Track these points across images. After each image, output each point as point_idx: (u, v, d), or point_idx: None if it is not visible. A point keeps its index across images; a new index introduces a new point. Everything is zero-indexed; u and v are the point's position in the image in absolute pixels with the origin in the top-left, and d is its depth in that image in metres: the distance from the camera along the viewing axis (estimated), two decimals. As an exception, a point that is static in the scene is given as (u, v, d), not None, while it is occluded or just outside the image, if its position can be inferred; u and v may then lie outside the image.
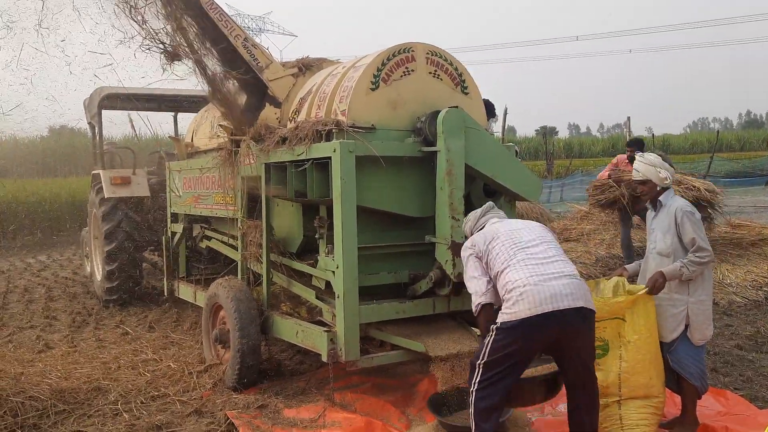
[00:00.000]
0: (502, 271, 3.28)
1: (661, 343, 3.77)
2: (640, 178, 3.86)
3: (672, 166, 3.90)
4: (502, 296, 3.25)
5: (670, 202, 3.81)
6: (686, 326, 3.74)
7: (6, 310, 8.02)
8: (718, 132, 34.38)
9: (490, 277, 3.40)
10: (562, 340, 3.24)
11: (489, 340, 3.21)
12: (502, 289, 3.27)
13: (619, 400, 3.71)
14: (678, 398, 3.93)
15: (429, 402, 4.14)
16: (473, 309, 3.43)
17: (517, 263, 3.26)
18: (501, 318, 3.20)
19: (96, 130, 8.77)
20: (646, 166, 3.85)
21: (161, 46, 4.83)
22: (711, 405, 4.26)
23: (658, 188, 3.85)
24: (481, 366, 3.23)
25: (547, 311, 3.10)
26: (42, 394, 4.49)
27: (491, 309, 3.35)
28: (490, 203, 3.89)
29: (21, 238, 15.06)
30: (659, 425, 3.79)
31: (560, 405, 4.34)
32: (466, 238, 3.76)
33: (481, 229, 3.69)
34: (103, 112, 8.59)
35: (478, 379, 3.24)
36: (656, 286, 3.65)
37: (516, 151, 5.47)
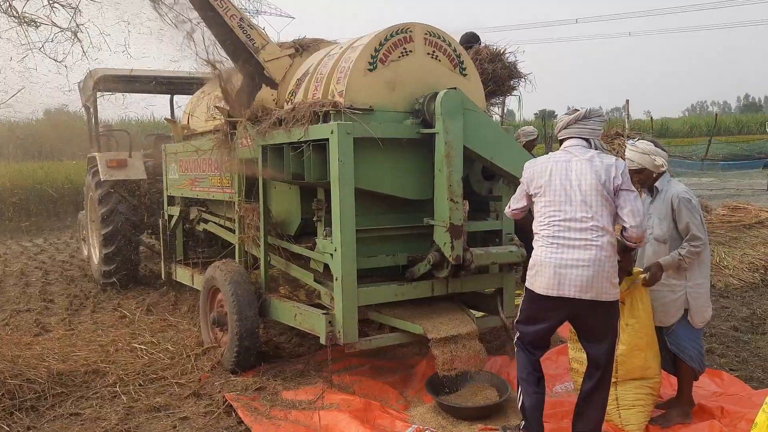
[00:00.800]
0: (536, 228, 3.40)
1: (658, 327, 3.78)
2: (635, 167, 3.82)
3: (664, 150, 3.86)
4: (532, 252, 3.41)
5: (667, 188, 3.78)
6: (686, 310, 3.74)
7: (3, 294, 8.01)
8: (716, 115, 34.36)
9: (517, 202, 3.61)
10: (574, 321, 3.41)
11: (522, 300, 3.44)
12: (534, 237, 3.42)
13: (615, 381, 3.72)
14: (674, 379, 3.94)
15: (427, 383, 4.16)
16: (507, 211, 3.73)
17: (547, 236, 3.30)
18: (528, 283, 3.38)
19: (91, 113, 8.71)
20: (640, 154, 3.80)
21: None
22: (707, 386, 4.28)
23: (654, 175, 3.82)
24: (516, 325, 3.47)
25: (554, 296, 3.22)
26: (40, 377, 4.49)
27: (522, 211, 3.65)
28: (590, 109, 3.48)
29: (17, 222, 15.02)
30: (655, 406, 3.82)
31: (557, 386, 4.37)
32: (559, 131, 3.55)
33: (562, 139, 3.47)
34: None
35: (516, 336, 3.49)
36: (654, 278, 3.66)
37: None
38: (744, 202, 9.51)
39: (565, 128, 3.46)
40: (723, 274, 7.27)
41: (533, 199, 3.45)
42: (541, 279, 3.27)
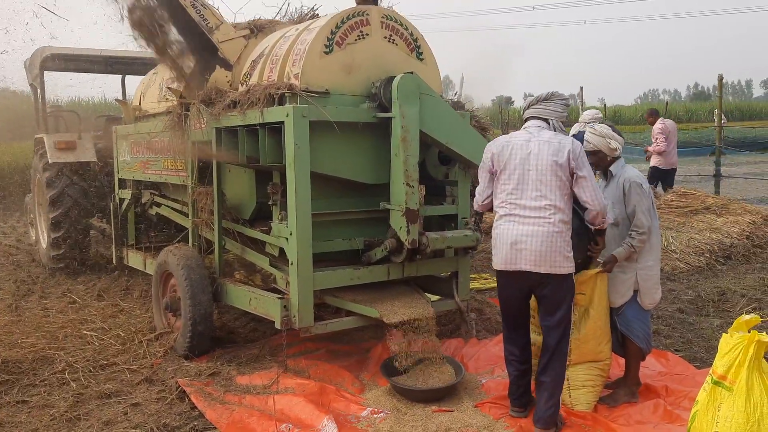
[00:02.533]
0: (496, 206, 3.58)
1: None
2: (591, 149, 3.91)
3: (621, 136, 3.96)
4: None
5: (620, 173, 3.88)
6: (635, 291, 3.86)
7: (-55, 279, 7.71)
8: (667, 104, 35.17)
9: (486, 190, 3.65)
10: (534, 293, 3.60)
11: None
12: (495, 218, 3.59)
13: (568, 364, 3.82)
14: (622, 360, 4.07)
15: (382, 366, 4.18)
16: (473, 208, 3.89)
17: (505, 214, 3.49)
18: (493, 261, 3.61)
19: (38, 93, 8.38)
20: (596, 137, 3.90)
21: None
22: (652, 366, 4.43)
23: (609, 158, 3.91)
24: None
25: (512, 270, 3.46)
26: (-17, 365, 4.36)
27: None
28: (552, 91, 3.63)
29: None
30: (604, 386, 3.93)
31: (510, 368, 4.45)
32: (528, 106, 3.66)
33: (525, 119, 3.64)
34: (46, 73, 8.21)
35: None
36: (607, 268, 3.77)
37: (484, 128, 5.49)
38: (692, 189, 9.82)
39: (527, 108, 3.64)
40: (670, 257, 7.51)
41: (495, 179, 3.56)
42: (499, 255, 3.50)
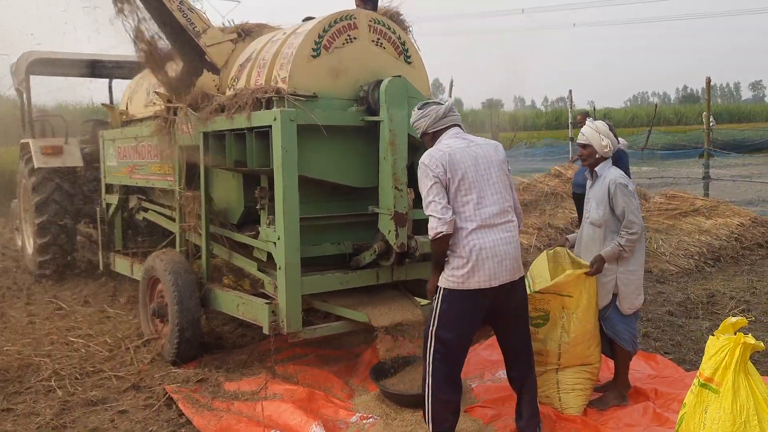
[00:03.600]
0: (460, 223, 3.16)
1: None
2: (583, 141, 3.92)
3: (617, 138, 3.96)
4: (452, 247, 3.16)
5: (605, 173, 3.87)
6: (614, 295, 3.82)
7: (-71, 286, 7.62)
8: (656, 106, 35.47)
9: (450, 205, 3.17)
10: (494, 313, 3.29)
11: (437, 305, 3.22)
12: (456, 237, 3.15)
13: (557, 368, 3.81)
14: (611, 363, 4.06)
15: (371, 371, 4.16)
16: (430, 234, 3.17)
17: (478, 227, 3.14)
18: (445, 283, 3.18)
19: (24, 97, 8.32)
20: (591, 131, 3.90)
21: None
22: (642, 368, 4.43)
23: (597, 155, 3.90)
24: (433, 335, 3.23)
25: (491, 287, 3.15)
26: (-32, 373, 4.30)
27: (448, 240, 3.16)
28: (450, 101, 3.47)
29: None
30: (594, 389, 3.93)
31: (500, 371, 4.44)
32: (422, 134, 3.43)
33: (438, 131, 3.34)
34: (32, 77, 8.15)
35: (432, 349, 3.23)
36: (595, 269, 3.74)
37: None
38: (681, 191, 9.87)
39: (443, 117, 3.32)
40: (660, 260, 7.54)
41: (450, 197, 3.17)
42: (482, 272, 3.12)
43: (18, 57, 8.15)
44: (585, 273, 3.72)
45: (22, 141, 8.21)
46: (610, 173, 3.85)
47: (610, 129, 3.93)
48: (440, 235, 3.12)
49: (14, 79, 8.55)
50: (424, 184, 3.20)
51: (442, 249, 3.18)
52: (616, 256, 3.75)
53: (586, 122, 4.06)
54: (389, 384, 4.04)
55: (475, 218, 3.15)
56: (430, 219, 3.15)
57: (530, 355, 3.47)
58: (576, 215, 8.71)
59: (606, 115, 40.75)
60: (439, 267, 3.25)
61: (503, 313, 3.32)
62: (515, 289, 3.28)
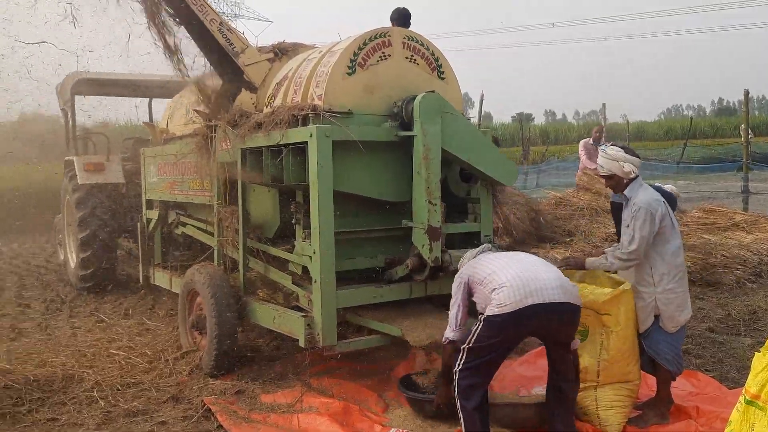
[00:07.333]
0: (488, 275, 3.37)
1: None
2: (605, 174, 3.88)
3: (636, 156, 3.88)
4: (490, 295, 3.31)
5: (634, 195, 3.80)
6: (656, 316, 3.76)
7: (-23, 299, 7.89)
8: (691, 119, 34.86)
9: (465, 311, 3.49)
10: (546, 330, 3.37)
11: (477, 329, 3.29)
12: (489, 289, 3.32)
13: (596, 385, 3.77)
14: (652, 380, 3.99)
15: (400, 382, 4.16)
16: (443, 338, 3.56)
17: (504, 266, 3.38)
18: (490, 311, 3.27)
19: (69, 116, 8.62)
20: (609, 161, 3.83)
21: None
22: (683, 386, 4.34)
23: (625, 181, 3.85)
24: (465, 350, 3.31)
25: (531, 304, 3.20)
26: (17, 383, 4.43)
27: (454, 347, 3.45)
28: (487, 245, 3.86)
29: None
30: (633, 406, 3.87)
31: (536, 387, 4.40)
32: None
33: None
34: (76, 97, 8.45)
35: (462, 362, 3.32)
36: (563, 265, 3.81)
37: (497, 140, 5.48)
38: (719, 205, 9.67)
39: (473, 258, 3.68)
40: (699, 275, 7.37)
41: (474, 278, 3.47)
42: (512, 295, 3.26)
43: (63, 78, 8.46)
44: (622, 291, 3.69)
45: (66, 158, 8.49)
46: (638, 195, 3.78)
47: (626, 151, 3.86)
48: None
49: (59, 99, 8.87)
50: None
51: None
52: (598, 268, 3.80)
53: (599, 153, 3.96)
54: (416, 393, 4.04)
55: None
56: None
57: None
58: (614, 229, 8.59)
59: (639, 128, 40.23)
60: None
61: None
62: None
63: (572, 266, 3.87)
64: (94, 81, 8.18)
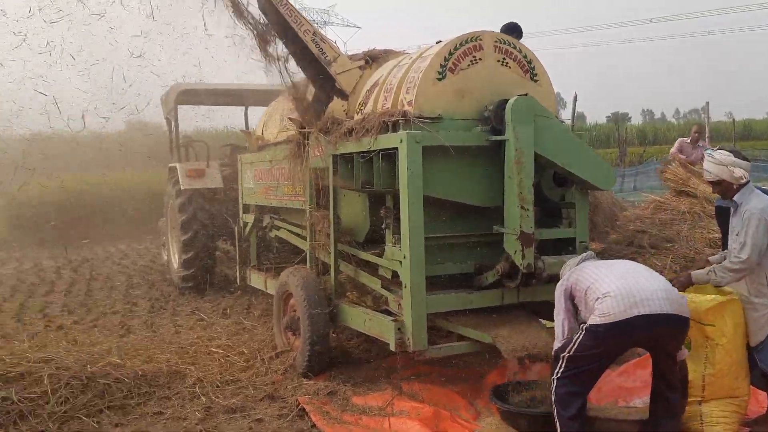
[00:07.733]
0: (592, 284, 3.31)
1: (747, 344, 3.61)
2: (713, 179, 3.68)
3: (746, 160, 3.67)
4: (593, 304, 3.24)
5: (745, 201, 3.60)
6: None
7: (90, 297, 8.49)
8: (806, 115, 32.28)
9: (571, 320, 3.41)
10: (653, 341, 3.28)
11: (578, 337, 3.23)
12: (592, 298, 3.26)
13: (701, 400, 3.58)
14: (763, 395, 3.75)
15: (492, 391, 4.10)
16: (552, 353, 3.46)
17: (608, 274, 3.31)
18: (592, 320, 3.20)
19: (172, 125, 9.12)
20: (717, 166, 3.64)
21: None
22: (798, 404, 4.04)
23: (735, 186, 3.65)
24: (565, 358, 3.26)
25: (637, 314, 3.12)
26: (127, 377, 4.73)
27: (554, 354, 3.42)
28: (590, 252, 3.80)
29: (102, 229, 15.77)
30: (742, 423, 3.64)
31: (635, 399, 4.23)
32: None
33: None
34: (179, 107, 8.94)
35: (561, 370, 3.28)
36: (678, 286, 3.55)
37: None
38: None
39: (576, 266, 3.63)
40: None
41: (576, 286, 3.45)
42: (616, 305, 3.20)
43: (168, 89, 8.97)
44: (727, 300, 3.49)
45: (170, 165, 8.99)
46: (749, 202, 3.58)
47: (735, 155, 3.66)
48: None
49: (164, 109, 9.41)
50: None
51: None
52: (705, 282, 3.57)
53: (705, 158, 3.77)
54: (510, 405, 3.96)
55: None
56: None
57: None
58: (718, 234, 8.10)
59: (746, 127, 37.77)
60: None
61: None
62: None
63: (682, 285, 3.65)
64: (195, 91, 8.63)
